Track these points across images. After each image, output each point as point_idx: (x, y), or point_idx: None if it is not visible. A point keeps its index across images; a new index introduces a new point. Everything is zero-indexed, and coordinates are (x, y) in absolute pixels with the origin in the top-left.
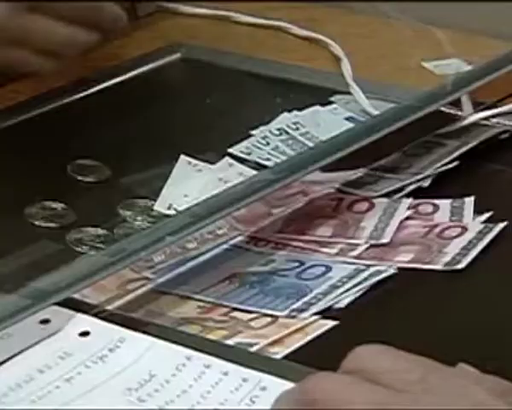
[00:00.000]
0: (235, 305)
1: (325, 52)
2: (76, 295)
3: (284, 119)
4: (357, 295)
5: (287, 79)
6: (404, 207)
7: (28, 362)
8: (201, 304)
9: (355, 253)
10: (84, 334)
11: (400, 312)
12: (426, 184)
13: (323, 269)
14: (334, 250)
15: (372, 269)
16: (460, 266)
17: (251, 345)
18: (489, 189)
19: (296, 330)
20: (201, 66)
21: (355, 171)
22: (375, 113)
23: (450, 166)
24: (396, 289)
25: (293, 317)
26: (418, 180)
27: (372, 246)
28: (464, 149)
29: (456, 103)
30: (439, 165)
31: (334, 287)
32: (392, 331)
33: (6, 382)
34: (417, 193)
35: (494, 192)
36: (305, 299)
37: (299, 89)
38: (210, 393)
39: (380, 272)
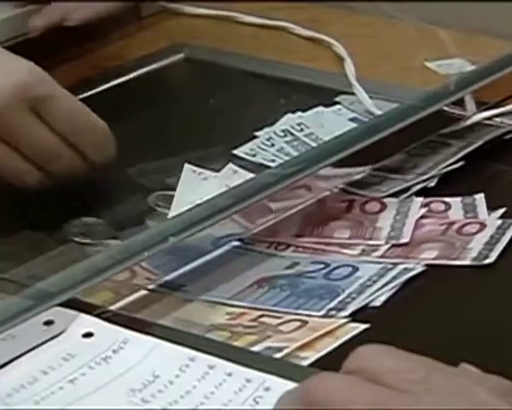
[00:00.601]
0: (269, 308)
1: (328, 52)
2: (79, 296)
3: (288, 120)
4: (391, 292)
5: (290, 79)
6: (417, 206)
7: (32, 363)
8: (230, 310)
9: (378, 253)
10: (88, 335)
11: (432, 310)
12: (432, 183)
13: (350, 269)
14: (357, 251)
15: (400, 267)
16: (488, 261)
17: (280, 349)
18: (495, 188)
19: (326, 334)
20: (204, 66)
21: (359, 168)
22: (379, 113)
23: (456, 166)
24: (425, 287)
25: (331, 316)
26: (424, 180)
27: (393, 246)
28: (469, 149)
29: (460, 103)
30: (444, 165)
31: (366, 286)
32: (425, 332)
33: (10, 383)
34: (423, 193)
35: (500, 191)
36: (339, 298)
37: (303, 89)
38: (213, 393)
39: (408, 269)
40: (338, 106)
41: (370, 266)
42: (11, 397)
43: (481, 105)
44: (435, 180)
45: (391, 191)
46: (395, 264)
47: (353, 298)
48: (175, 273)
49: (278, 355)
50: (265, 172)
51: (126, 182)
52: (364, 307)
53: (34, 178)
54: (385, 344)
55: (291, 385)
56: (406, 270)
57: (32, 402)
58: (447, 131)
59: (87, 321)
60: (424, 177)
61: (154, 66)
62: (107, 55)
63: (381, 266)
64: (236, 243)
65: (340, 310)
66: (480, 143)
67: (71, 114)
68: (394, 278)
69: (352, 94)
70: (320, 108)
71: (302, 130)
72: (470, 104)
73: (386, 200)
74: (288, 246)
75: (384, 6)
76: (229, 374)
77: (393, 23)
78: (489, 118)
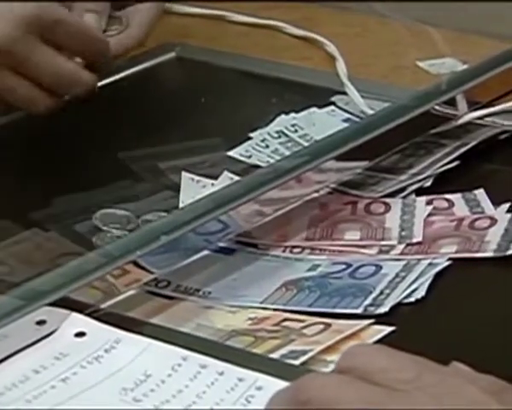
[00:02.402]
0: (305, 310)
1: (320, 52)
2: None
3: (282, 121)
4: (425, 287)
5: (282, 78)
6: (422, 205)
7: (24, 363)
8: (252, 316)
9: (397, 251)
10: (80, 334)
11: (463, 303)
12: (428, 183)
13: (374, 268)
14: (374, 251)
15: (424, 262)
16: (510, 252)
17: (305, 352)
18: (491, 186)
19: (351, 336)
20: (196, 65)
21: (349, 163)
22: (370, 112)
23: (451, 166)
24: (453, 280)
25: (370, 313)
26: (420, 180)
27: (408, 245)
28: (464, 149)
29: (451, 103)
30: (439, 165)
31: (396, 282)
32: (455, 330)
33: (2, 381)
34: (421, 192)
35: (498, 189)
36: (373, 295)
37: (295, 88)
38: (206, 393)
39: (434, 264)
40: (332, 106)
41: (393, 264)
42: (3, 396)
43: (473, 105)
44: (430, 180)
45: (387, 191)
46: (419, 260)
47: (387, 294)
48: (192, 277)
49: (303, 359)
50: (256, 172)
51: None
52: (400, 304)
53: (48, 105)
54: (411, 347)
55: (283, 384)
56: (432, 265)
57: (23, 401)
58: (440, 131)
59: (79, 321)
60: (420, 177)
61: (145, 64)
62: None
63: (404, 262)
64: (250, 249)
65: (378, 306)
66: (474, 143)
67: (80, 33)
68: (423, 272)
69: (344, 93)
70: (313, 109)
71: (296, 131)
72: (462, 104)
73: (388, 200)
74: (304, 249)
75: (376, 5)
76: (221, 373)
77: (385, 23)
78: (480, 117)
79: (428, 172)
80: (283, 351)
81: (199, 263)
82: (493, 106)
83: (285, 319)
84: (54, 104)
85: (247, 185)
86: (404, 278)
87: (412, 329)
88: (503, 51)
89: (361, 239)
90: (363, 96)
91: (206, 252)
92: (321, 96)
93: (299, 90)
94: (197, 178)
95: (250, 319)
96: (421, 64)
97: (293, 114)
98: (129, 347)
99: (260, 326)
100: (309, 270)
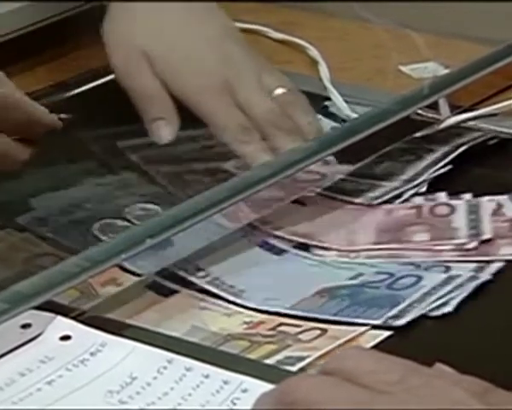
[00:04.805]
0: (324, 317)
1: (302, 55)
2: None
3: None
4: (456, 302)
5: None
6: (487, 205)
7: (9, 366)
8: (248, 319)
9: (468, 247)
10: (66, 338)
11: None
12: (423, 189)
13: (415, 279)
14: (447, 247)
15: (466, 275)
16: None
17: (302, 358)
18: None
19: (349, 343)
20: None
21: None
22: (354, 116)
23: (444, 170)
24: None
25: (389, 325)
26: (415, 186)
27: (478, 242)
28: (455, 153)
29: (434, 106)
30: (432, 170)
31: (427, 294)
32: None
33: None
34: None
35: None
36: (400, 307)
37: None
38: (191, 395)
39: (475, 277)
40: (319, 116)
41: (435, 276)
42: None
43: (455, 108)
44: (425, 185)
45: (385, 198)
46: (460, 275)
47: (414, 307)
48: (232, 273)
49: (299, 365)
50: (243, 175)
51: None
52: (425, 317)
53: None
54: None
55: (268, 387)
56: (473, 278)
57: (9, 403)
58: (428, 135)
59: (64, 324)
60: (414, 182)
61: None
62: (78, 60)
63: (446, 275)
64: (300, 252)
65: (396, 318)
66: (464, 147)
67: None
68: (460, 286)
69: (328, 99)
70: None
71: None
72: (444, 108)
73: (452, 202)
74: (369, 251)
75: (358, 9)
76: (207, 376)
77: (367, 26)
78: (463, 121)
79: (423, 178)
80: (279, 357)
81: (243, 258)
82: (476, 110)
83: (281, 324)
84: None
85: (233, 188)
86: (438, 290)
87: (411, 336)
88: (485, 55)
89: (431, 240)
90: (345, 101)
91: (255, 248)
92: None
93: None
94: None
95: (245, 322)
96: (403, 68)
97: None
98: (114, 350)
99: (256, 331)
100: (351, 278)
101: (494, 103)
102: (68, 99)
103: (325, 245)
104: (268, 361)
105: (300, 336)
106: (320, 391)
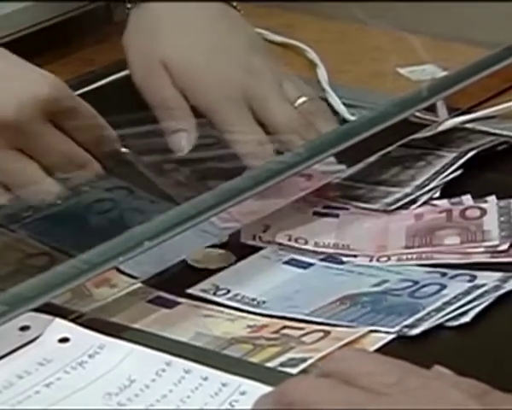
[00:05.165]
0: (336, 322)
1: (301, 58)
2: (56, 301)
3: None
4: (474, 312)
5: None
6: None
7: (8, 368)
8: (251, 323)
9: (499, 253)
10: (64, 340)
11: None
12: (436, 194)
13: (438, 287)
14: (479, 250)
15: (491, 284)
16: None
17: (304, 360)
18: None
19: (351, 344)
20: None
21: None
22: (352, 118)
23: (454, 175)
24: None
25: (403, 334)
26: (428, 191)
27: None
28: (464, 158)
29: (432, 109)
30: (443, 176)
31: (447, 303)
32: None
33: None
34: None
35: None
36: (418, 316)
37: None
38: (190, 397)
39: (500, 287)
40: None
41: (459, 285)
42: None
43: (453, 111)
44: (438, 190)
45: (399, 204)
46: (485, 284)
47: (431, 316)
48: (253, 288)
49: (302, 366)
50: (235, 180)
51: None
52: (442, 327)
53: (56, 192)
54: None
55: (266, 389)
56: (497, 288)
57: (8, 406)
58: (434, 139)
59: (63, 326)
60: (427, 188)
61: (127, 71)
62: (79, 61)
63: (470, 284)
64: (331, 264)
65: (412, 327)
66: (474, 152)
67: (91, 127)
68: (480, 296)
69: (326, 101)
70: None
71: None
72: (442, 110)
73: (483, 205)
74: (391, 256)
75: (356, 12)
76: (205, 378)
77: (365, 29)
78: (461, 123)
79: (434, 183)
80: (282, 359)
81: (267, 275)
82: (473, 112)
83: (284, 327)
84: (61, 192)
85: (228, 192)
86: (460, 299)
87: (416, 342)
88: (483, 58)
89: (462, 243)
90: (343, 103)
91: (281, 265)
92: None
93: None
94: None
95: (249, 326)
96: (401, 71)
97: None
98: (113, 352)
99: (259, 334)
100: (374, 285)
101: (492, 106)
102: None
103: (356, 253)
104: (271, 364)
105: (304, 339)
106: (317, 393)
